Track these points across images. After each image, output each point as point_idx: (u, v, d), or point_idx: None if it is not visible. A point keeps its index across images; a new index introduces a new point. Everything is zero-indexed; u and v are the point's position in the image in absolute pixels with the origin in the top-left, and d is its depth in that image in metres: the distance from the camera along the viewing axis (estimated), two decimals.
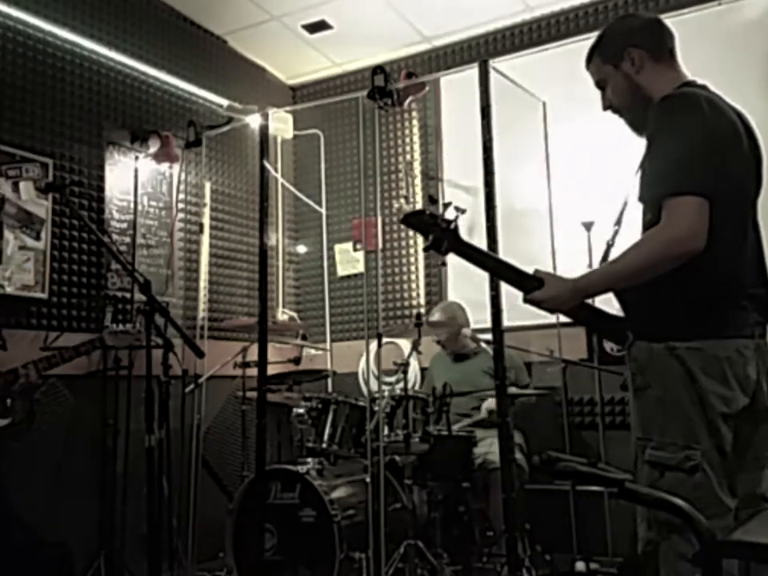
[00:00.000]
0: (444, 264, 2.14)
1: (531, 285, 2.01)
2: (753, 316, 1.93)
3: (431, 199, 2.16)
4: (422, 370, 4.85)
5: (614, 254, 2.03)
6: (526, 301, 2.03)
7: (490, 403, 4.13)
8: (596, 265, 2.16)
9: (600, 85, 2.17)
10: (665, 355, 1.88)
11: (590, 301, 2.04)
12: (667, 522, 1.81)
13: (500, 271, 2.10)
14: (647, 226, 1.93)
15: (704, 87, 2.06)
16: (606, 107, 2.17)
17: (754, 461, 1.95)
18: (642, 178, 1.94)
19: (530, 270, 2.04)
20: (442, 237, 2.06)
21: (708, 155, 1.85)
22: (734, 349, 1.87)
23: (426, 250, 2.12)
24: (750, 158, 2.02)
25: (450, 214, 2.09)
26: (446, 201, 2.15)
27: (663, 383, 1.89)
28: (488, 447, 3.90)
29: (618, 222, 2.16)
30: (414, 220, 2.12)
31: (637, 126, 2.11)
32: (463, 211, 2.12)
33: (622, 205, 2.14)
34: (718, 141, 1.89)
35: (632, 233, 1.99)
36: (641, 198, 1.96)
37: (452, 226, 2.06)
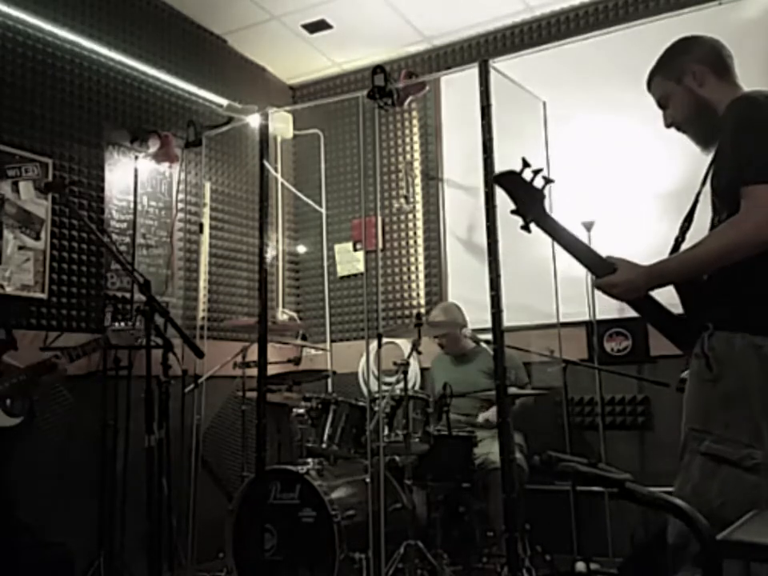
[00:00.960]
0: (526, 229, 2.08)
1: (604, 269, 2.00)
2: None
3: (525, 162, 2.11)
4: (422, 370, 4.85)
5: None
6: (597, 285, 2.02)
7: (487, 414, 4.13)
8: None
9: (662, 102, 2.19)
10: (747, 351, 1.86)
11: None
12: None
13: (576, 251, 2.07)
14: (721, 215, 1.93)
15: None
16: (668, 125, 2.19)
17: None
18: (720, 171, 1.96)
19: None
20: (530, 205, 2.05)
21: None
22: None
23: (512, 212, 2.10)
24: None
25: (538, 183, 2.06)
26: (538, 168, 2.10)
27: (738, 378, 1.86)
28: (488, 447, 3.90)
29: (689, 219, 2.14)
30: (505, 181, 2.10)
31: (702, 139, 2.13)
32: (552, 181, 2.10)
33: (693, 201, 2.13)
34: None
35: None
36: (718, 188, 1.96)
37: (540, 196, 2.05)
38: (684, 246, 2.06)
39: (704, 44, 2.19)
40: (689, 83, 2.12)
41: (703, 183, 2.06)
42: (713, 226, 2.01)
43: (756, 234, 1.80)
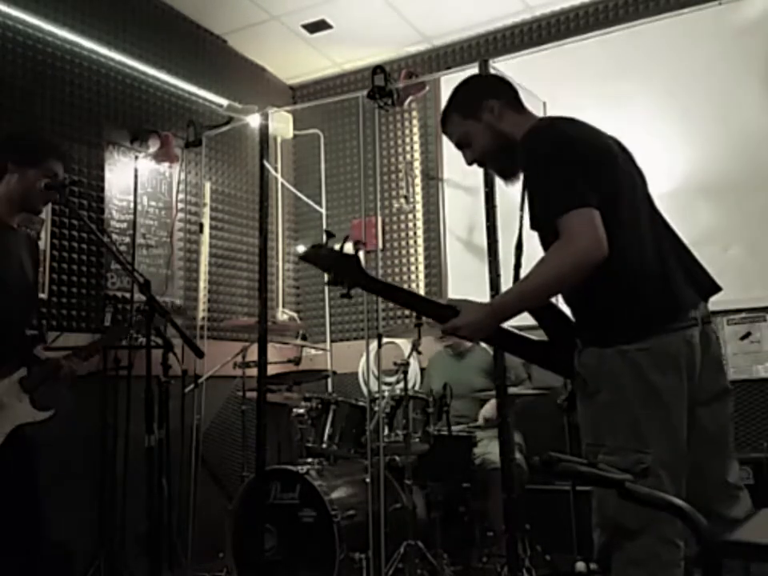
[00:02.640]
0: (347, 296, 2.10)
1: (446, 314, 2.01)
2: (689, 296, 1.94)
3: (329, 234, 2.15)
4: (422, 370, 4.85)
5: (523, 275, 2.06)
6: (444, 331, 2.04)
7: (487, 411, 4.13)
8: None
9: (462, 142, 2.19)
10: (615, 358, 1.89)
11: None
12: (619, 528, 1.83)
13: (412, 303, 2.11)
14: (548, 245, 1.95)
15: (560, 119, 2.12)
16: (470, 162, 2.20)
17: (717, 448, 1.97)
18: (531, 208, 1.98)
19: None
20: (344, 273, 2.07)
21: (583, 169, 1.90)
22: (681, 340, 1.89)
23: (328, 284, 2.13)
24: (616, 159, 2.03)
25: (349, 248, 2.10)
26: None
27: (614, 387, 1.90)
28: (487, 447, 3.90)
29: (519, 246, 2.17)
30: (312, 255, 2.13)
31: (505, 173, 2.17)
32: (363, 244, 2.13)
33: (518, 231, 2.16)
34: (591, 153, 1.95)
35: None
36: (534, 226, 1.99)
37: (354, 261, 2.07)
38: (522, 272, 2.09)
39: (496, 80, 2.25)
40: (488, 119, 2.13)
41: (522, 209, 2.08)
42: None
43: (575, 262, 1.83)
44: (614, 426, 1.89)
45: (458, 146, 2.21)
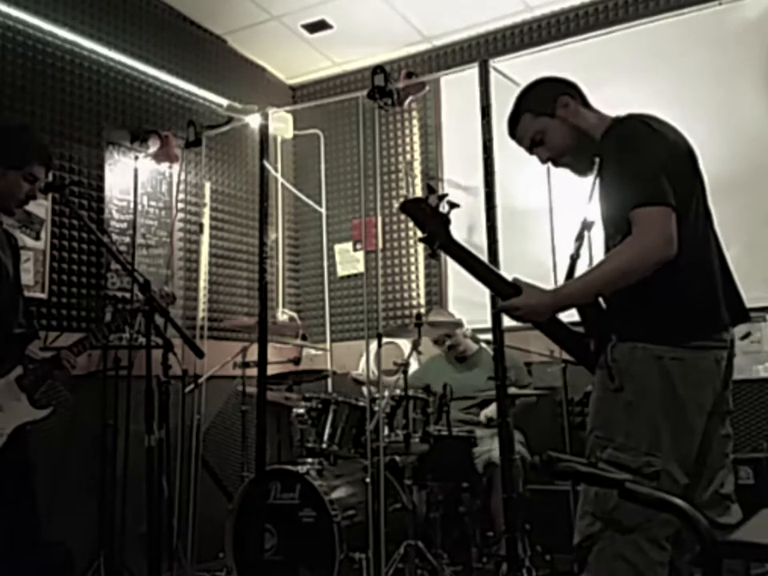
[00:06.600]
0: (433, 256, 2.12)
1: (509, 291, 2.03)
2: (725, 317, 1.98)
3: (430, 188, 2.14)
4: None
5: (580, 267, 2.08)
6: (500, 307, 2.05)
7: (489, 411, 4.13)
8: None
9: (536, 139, 2.19)
10: (649, 362, 1.91)
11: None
12: (619, 522, 1.85)
13: (482, 274, 2.10)
14: (615, 240, 1.97)
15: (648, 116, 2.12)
16: (545, 160, 2.21)
17: (715, 461, 2.01)
18: (607, 195, 2.00)
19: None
20: (436, 232, 2.07)
21: (667, 169, 1.91)
22: (713, 360, 1.94)
23: (420, 240, 2.13)
24: (692, 167, 2.08)
25: (444, 208, 2.09)
26: (443, 192, 2.14)
27: (639, 389, 1.92)
28: (489, 445, 3.90)
29: (580, 238, 2.19)
30: (412, 209, 2.12)
31: (580, 169, 2.17)
32: (456, 206, 2.12)
33: (581, 221, 2.18)
34: (673, 156, 1.98)
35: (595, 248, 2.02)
36: (604, 215, 2.01)
37: (445, 221, 2.07)
38: (579, 263, 2.13)
39: (561, 79, 2.25)
40: (563, 114, 2.15)
41: (589, 202, 2.10)
42: (607, 251, 2.05)
43: (646, 257, 1.85)
44: (630, 426, 1.91)
45: (531, 146, 2.21)
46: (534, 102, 2.20)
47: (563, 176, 4.73)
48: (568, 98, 2.16)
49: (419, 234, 2.13)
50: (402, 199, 5.27)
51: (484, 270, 2.09)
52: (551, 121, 2.15)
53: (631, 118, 2.08)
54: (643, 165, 1.92)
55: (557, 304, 2.00)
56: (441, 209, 2.10)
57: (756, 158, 4.22)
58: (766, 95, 4.16)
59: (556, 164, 2.21)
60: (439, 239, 2.07)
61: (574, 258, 2.15)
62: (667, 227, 1.85)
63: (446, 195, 2.12)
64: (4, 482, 2.58)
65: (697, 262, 1.95)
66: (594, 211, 2.09)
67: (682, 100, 4.39)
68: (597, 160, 2.09)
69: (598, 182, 2.07)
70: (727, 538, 1.36)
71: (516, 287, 2.02)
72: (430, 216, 2.08)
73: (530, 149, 2.22)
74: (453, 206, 2.12)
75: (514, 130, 2.24)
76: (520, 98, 2.23)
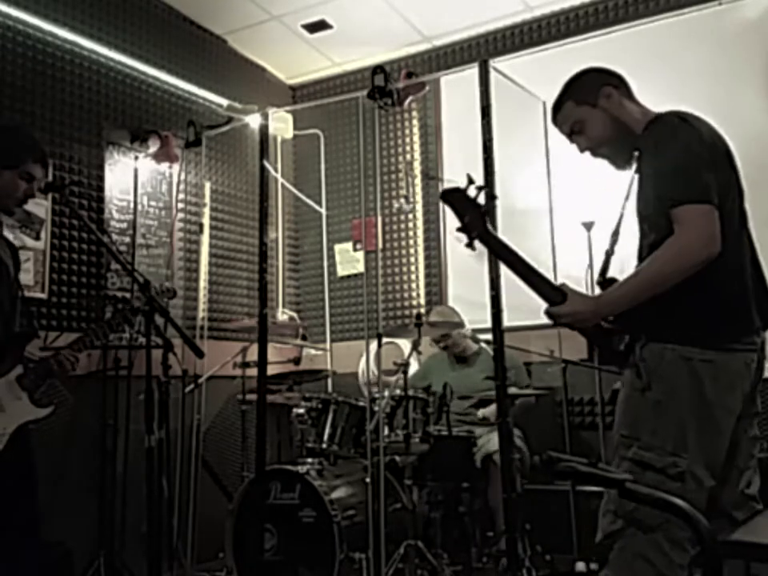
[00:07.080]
0: (470, 246, 2.06)
1: (554, 296, 1.99)
2: (756, 320, 1.96)
3: (470, 179, 2.10)
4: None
5: (614, 263, 2.07)
6: (546, 312, 2.02)
7: (485, 411, 4.13)
8: (596, 267, 2.16)
9: (575, 128, 2.18)
10: (677, 362, 1.89)
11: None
12: (640, 521, 1.85)
13: (523, 272, 2.05)
14: (650, 238, 1.96)
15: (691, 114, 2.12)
16: (583, 149, 2.20)
17: (742, 462, 1.99)
18: (647, 191, 1.98)
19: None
20: (474, 222, 2.04)
21: (708, 166, 1.90)
22: (743, 362, 1.92)
23: (458, 230, 2.10)
24: (729, 164, 2.07)
25: (482, 200, 2.07)
26: (480, 184, 2.10)
27: (668, 389, 1.91)
28: (487, 438, 3.92)
29: (616, 233, 2.17)
30: (451, 198, 2.09)
31: (619, 161, 2.16)
32: (495, 197, 2.09)
33: (618, 216, 2.16)
34: (712, 153, 1.96)
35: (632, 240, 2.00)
36: (643, 210, 1.99)
37: (483, 212, 2.05)
38: (614, 259, 2.11)
39: (608, 70, 2.25)
40: (605, 105, 2.14)
41: (627, 198, 2.10)
42: (641, 248, 2.04)
43: (689, 258, 1.84)
44: (656, 425, 1.90)
45: (570, 134, 2.20)
46: (577, 90, 2.19)
47: (563, 176, 4.75)
48: (612, 89, 2.14)
49: (457, 223, 2.09)
50: (401, 199, 5.28)
51: (525, 269, 2.04)
52: (592, 110, 2.14)
53: (670, 114, 2.07)
54: (684, 160, 1.90)
55: (600, 312, 1.98)
56: (479, 200, 2.07)
57: (756, 157, 4.20)
58: (766, 95, 4.16)
59: (594, 154, 2.19)
60: (477, 230, 2.05)
61: (609, 254, 2.14)
62: (710, 226, 1.83)
63: (484, 187, 2.09)
64: (5, 481, 2.58)
65: (730, 264, 1.92)
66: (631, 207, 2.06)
67: (681, 100, 4.36)
68: (636, 154, 2.06)
69: (636, 177, 2.05)
70: (727, 538, 1.37)
71: (562, 292, 1.99)
72: (469, 206, 2.05)
73: (570, 137, 2.21)
74: (492, 197, 2.10)
75: (556, 117, 2.23)
76: (566, 86, 2.22)
